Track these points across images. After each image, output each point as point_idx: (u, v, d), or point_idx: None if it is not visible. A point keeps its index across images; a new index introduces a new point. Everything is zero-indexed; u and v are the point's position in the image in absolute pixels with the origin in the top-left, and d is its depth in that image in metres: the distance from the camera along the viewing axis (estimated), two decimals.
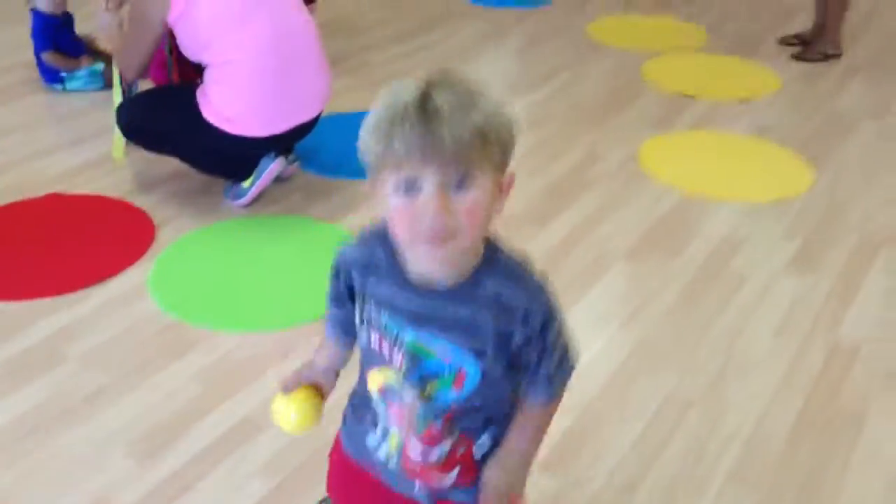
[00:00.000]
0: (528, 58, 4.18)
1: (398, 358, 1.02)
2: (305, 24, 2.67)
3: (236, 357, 2.10)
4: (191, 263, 2.49)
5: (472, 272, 0.98)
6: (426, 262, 0.96)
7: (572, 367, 1.08)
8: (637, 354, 2.17)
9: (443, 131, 0.86)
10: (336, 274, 1.08)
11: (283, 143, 2.72)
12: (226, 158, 2.72)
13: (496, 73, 4.05)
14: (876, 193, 2.98)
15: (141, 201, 2.76)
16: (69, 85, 3.52)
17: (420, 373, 1.02)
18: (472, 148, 0.88)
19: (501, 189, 0.96)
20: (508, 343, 1.00)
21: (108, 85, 3.48)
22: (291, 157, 2.85)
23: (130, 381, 2.01)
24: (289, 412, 1.12)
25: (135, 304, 2.28)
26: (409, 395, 1.04)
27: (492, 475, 1.09)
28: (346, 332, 1.13)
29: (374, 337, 1.04)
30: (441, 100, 0.88)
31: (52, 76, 3.52)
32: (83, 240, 2.57)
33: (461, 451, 1.08)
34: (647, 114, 3.58)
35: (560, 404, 1.11)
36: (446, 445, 1.07)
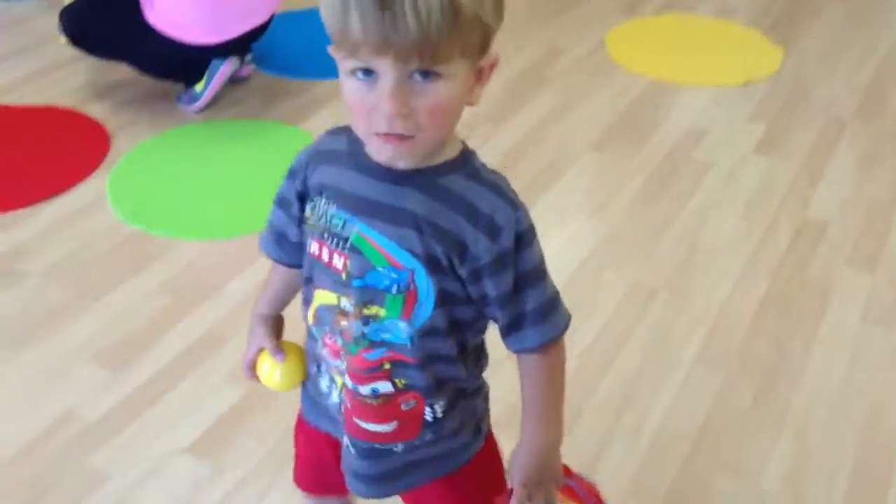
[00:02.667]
0: None
1: (340, 263, 0.87)
2: None
3: (200, 266, 2.08)
4: (148, 172, 2.43)
5: (441, 165, 0.84)
6: (382, 156, 0.83)
7: (566, 316, 0.91)
8: (603, 247, 2.17)
9: (405, 7, 0.70)
10: (291, 173, 0.94)
11: (235, 47, 2.62)
12: (176, 63, 2.63)
13: None
14: (841, 75, 2.95)
15: (93, 110, 2.67)
16: None
17: (363, 281, 0.86)
18: (441, 28, 0.71)
19: (480, 77, 0.81)
20: (466, 257, 0.84)
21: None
22: (248, 57, 2.75)
23: (95, 293, 1.98)
24: (274, 370, 1.04)
25: (94, 216, 2.23)
26: (347, 313, 0.89)
27: (521, 464, 0.96)
28: (283, 242, 0.99)
29: (316, 245, 0.90)
30: None
31: None
32: (35, 153, 2.49)
33: (408, 405, 0.93)
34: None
35: (564, 357, 0.94)
36: (383, 387, 0.92)
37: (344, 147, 0.88)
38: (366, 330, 0.88)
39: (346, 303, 0.88)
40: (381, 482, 1.00)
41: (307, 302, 0.95)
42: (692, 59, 3.09)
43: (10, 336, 1.87)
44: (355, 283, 0.87)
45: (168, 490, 1.54)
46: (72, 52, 2.71)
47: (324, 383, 0.99)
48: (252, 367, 1.05)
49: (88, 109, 2.67)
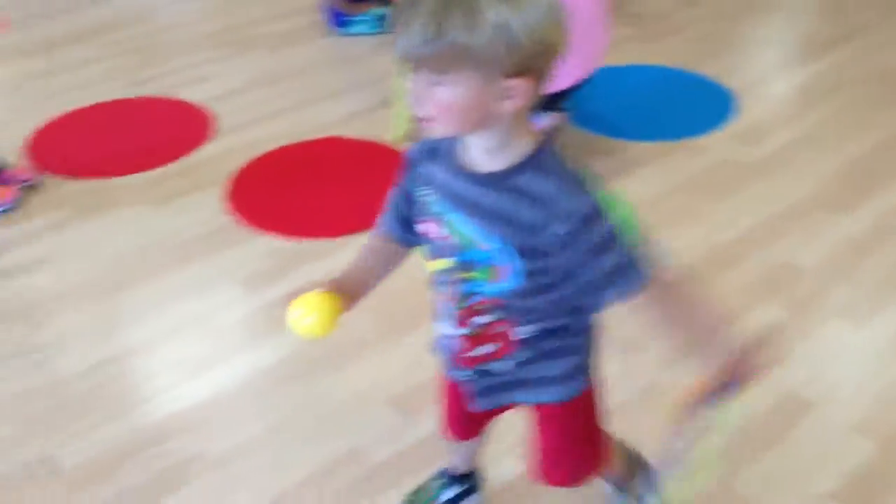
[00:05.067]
0: (826, 8, 3.71)
1: (447, 243, 1.09)
2: None
3: None
4: None
5: (515, 164, 1.01)
6: (465, 147, 1.04)
7: (645, 272, 1.02)
8: None
9: (409, 34, 0.91)
10: (408, 163, 1.14)
11: (552, 102, 2.59)
12: None
13: (788, 28, 3.63)
14: None
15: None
16: (353, 28, 3.62)
17: (463, 258, 1.08)
18: (425, 51, 0.91)
19: (508, 94, 0.95)
20: (535, 240, 1.00)
21: (389, 28, 3.54)
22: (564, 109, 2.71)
23: (393, 333, 2.01)
24: (306, 316, 1.12)
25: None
26: (455, 276, 1.11)
27: (709, 368, 1.06)
28: (400, 223, 1.19)
29: (430, 225, 1.11)
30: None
31: (337, 19, 3.64)
32: (358, 183, 2.63)
33: (499, 329, 1.13)
34: None
35: (680, 285, 1.06)
36: (482, 320, 1.13)
37: (445, 146, 1.08)
38: (468, 288, 1.11)
39: (453, 269, 1.11)
40: (490, 395, 1.23)
41: (429, 266, 1.17)
42: None
43: (311, 365, 1.94)
44: (456, 256, 1.09)
45: None
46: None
47: (447, 329, 1.19)
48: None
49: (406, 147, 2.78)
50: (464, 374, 1.24)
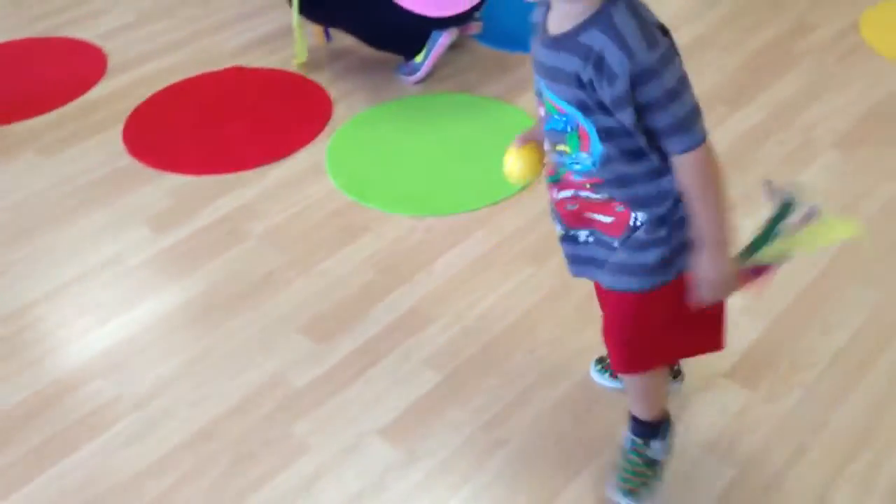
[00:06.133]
0: None
1: (544, 114, 1.16)
2: None
3: (409, 241, 2.07)
4: (365, 143, 2.45)
5: (580, 23, 1.05)
6: (549, 16, 1.11)
7: (702, 131, 1.09)
8: (843, 258, 1.94)
9: None
10: (532, 30, 1.17)
11: (456, 19, 2.58)
12: (397, 34, 2.62)
13: None
14: None
15: (316, 76, 2.73)
16: None
17: (550, 125, 1.16)
18: None
19: None
20: (600, 98, 1.06)
21: None
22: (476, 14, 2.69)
23: (308, 261, 2.02)
24: (516, 164, 1.29)
25: (313, 183, 2.28)
26: (554, 152, 1.20)
27: (694, 268, 1.18)
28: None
29: (536, 100, 1.19)
30: None
31: None
32: (264, 115, 2.59)
33: (619, 209, 1.20)
34: None
35: (713, 166, 1.12)
36: (595, 194, 1.20)
37: (539, 19, 1.14)
38: (564, 160, 1.20)
39: (548, 142, 1.21)
40: (580, 264, 1.32)
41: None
42: None
43: (223, 299, 1.94)
44: (546, 127, 1.18)
45: (360, 470, 1.54)
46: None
47: (562, 194, 1.27)
48: (517, 146, 1.31)
49: (312, 75, 2.74)
50: (569, 232, 1.31)
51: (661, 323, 1.27)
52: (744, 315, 1.78)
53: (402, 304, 1.89)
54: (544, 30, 1.12)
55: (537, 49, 1.13)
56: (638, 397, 1.42)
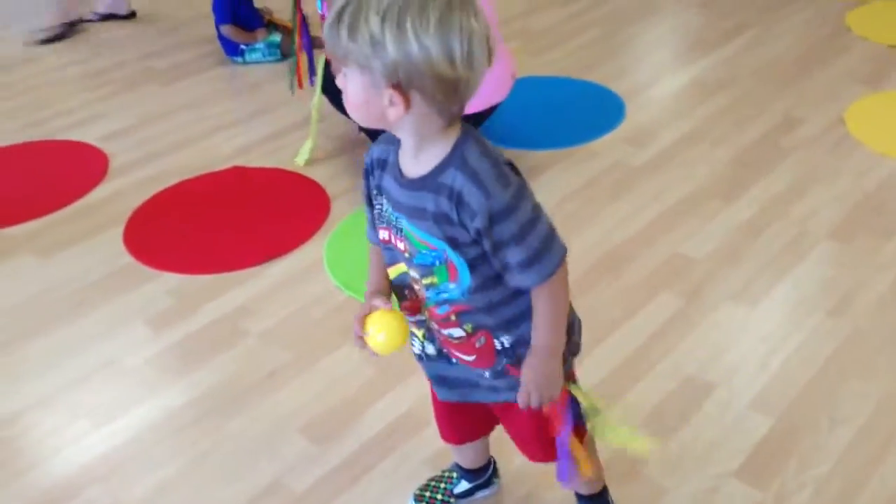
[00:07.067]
0: (711, 10, 3.87)
1: (402, 246, 1.16)
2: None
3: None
4: (363, 239, 2.44)
5: (436, 166, 1.08)
6: (401, 155, 1.12)
7: (558, 252, 1.12)
8: (846, 350, 1.93)
9: (325, 30, 1.02)
10: (364, 173, 1.20)
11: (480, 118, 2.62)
12: None
13: (676, 30, 3.78)
14: None
15: (316, 174, 2.77)
16: (248, 57, 3.60)
17: (417, 261, 1.15)
18: (338, 49, 1.01)
19: (392, 102, 1.01)
20: (468, 234, 1.08)
21: (284, 56, 3.54)
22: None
23: (308, 360, 2.01)
24: (377, 334, 1.20)
25: (313, 280, 2.29)
26: (417, 280, 1.18)
27: (523, 375, 1.20)
28: (373, 228, 1.23)
29: (385, 232, 1.18)
30: (354, 6, 0.99)
31: (232, 49, 3.61)
32: (264, 213, 2.61)
33: (480, 342, 1.21)
34: (855, 70, 3.21)
35: (564, 284, 1.15)
36: (456, 332, 1.21)
37: (391, 158, 1.15)
38: (430, 294, 1.18)
39: (413, 273, 1.18)
40: (452, 387, 1.32)
41: (390, 272, 1.24)
42: None
43: (222, 401, 1.92)
44: (413, 260, 1.16)
45: None
46: (300, 116, 2.83)
47: (418, 332, 1.28)
48: (361, 324, 1.22)
49: (311, 174, 2.78)
50: (434, 348, 1.30)
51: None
52: (751, 411, 1.76)
53: (401, 403, 1.87)
54: (398, 171, 1.12)
55: (393, 188, 1.13)
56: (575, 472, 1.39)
